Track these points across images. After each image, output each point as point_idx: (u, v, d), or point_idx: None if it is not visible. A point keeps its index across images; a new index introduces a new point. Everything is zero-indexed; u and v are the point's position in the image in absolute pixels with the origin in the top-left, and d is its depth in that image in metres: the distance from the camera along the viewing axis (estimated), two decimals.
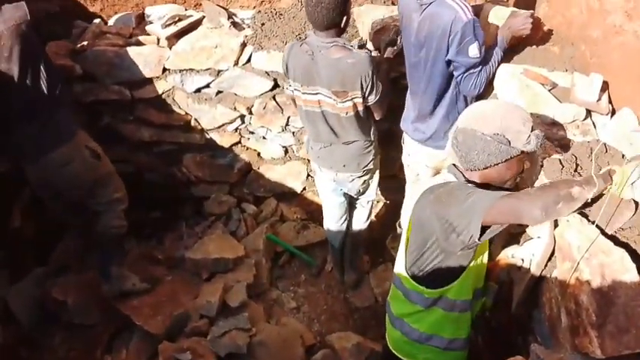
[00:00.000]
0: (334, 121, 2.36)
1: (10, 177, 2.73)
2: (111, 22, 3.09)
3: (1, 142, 2.51)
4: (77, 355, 2.70)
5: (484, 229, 1.42)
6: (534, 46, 2.23)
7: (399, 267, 1.78)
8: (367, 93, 2.24)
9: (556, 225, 1.69)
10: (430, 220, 1.54)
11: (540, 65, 2.13)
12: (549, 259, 1.74)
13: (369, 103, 2.30)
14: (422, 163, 2.52)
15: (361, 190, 2.68)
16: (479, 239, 1.43)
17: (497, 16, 2.31)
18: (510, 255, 1.89)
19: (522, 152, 1.49)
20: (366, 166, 2.54)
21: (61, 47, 2.87)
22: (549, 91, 2.03)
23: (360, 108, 2.30)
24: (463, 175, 1.58)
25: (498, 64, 2.18)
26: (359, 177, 2.58)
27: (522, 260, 1.82)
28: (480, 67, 2.12)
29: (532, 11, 2.22)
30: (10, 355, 2.62)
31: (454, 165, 1.62)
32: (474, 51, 2.05)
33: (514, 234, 1.98)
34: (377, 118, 2.45)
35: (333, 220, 2.88)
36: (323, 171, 2.62)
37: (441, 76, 2.20)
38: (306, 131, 2.60)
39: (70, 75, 2.80)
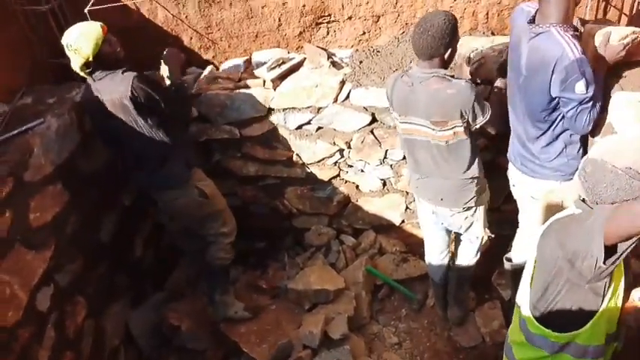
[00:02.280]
0: (435, 150, 2.34)
1: (133, 210, 3.02)
2: (222, 67, 3.37)
3: (127, 178, 2.84)
4: None
5: (610, 252, 1.33)
6: None
7: (523, 308, 1.68)
8: (471, 120, 2.23)
9: None
10: (553, 251, 1.47)
11: None
12: None
13: (477, 126, 2.28)
14: (527, 193, 2.42)
15: (463, 227, 2.60)
16: (604, 262, 1.33)
17: (602, 35, 2.19)
18: (637, 298, 1.73)
19: None
20: (467, 202, 2.46)
21: None
22: None
23: (462, 137, 2.27)
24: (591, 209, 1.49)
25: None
26: (459, 213, 2.51)
27: None
28: (592, 102, 2.06)
29: (624, 34, 2.08)
30: None
31: (583, 200, 1.53)
32: (580, 88, 2.00)
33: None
34: (493, 133, 2.43)
35: (434, 254, 2.82)
36: (422, 202, 2.61)
37: (542, 107, 2.16)
38: (406, 162, 2.62)
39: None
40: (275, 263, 3.37)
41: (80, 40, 2.31)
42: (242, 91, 3.07)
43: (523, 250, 2.55)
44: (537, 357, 1.65)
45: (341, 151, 3.14)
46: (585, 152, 2.32)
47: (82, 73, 2.43)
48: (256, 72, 3.14)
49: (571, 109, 2.08)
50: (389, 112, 2.40)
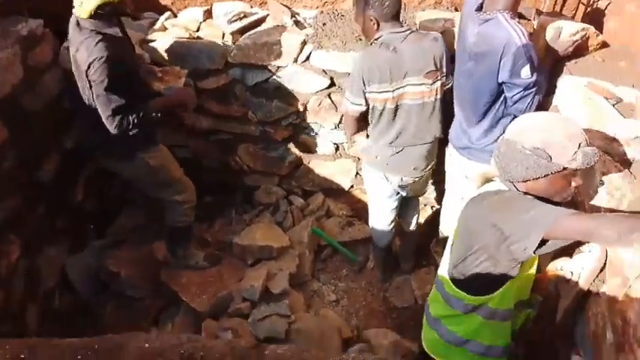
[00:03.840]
0: (425, 111, 2.41)
1: (75, 152, 2.90)
2: (180, 15, 3.25)
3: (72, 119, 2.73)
4: (126, 325, 2.80)
5: (541, 243, 1.39)
6: (601, 60, 2.20)
7: (442, 270, 1.78)
8: (446, 72, 2.35)
9: None
10: (481, 227, 1.52)
11: (605, 79, 2.10)
12: (598, 273, 1.71)
13: (447, 86, 2.39)
14: (461, 173, 2.53)
15: (420, 190, 2.75)
16: (534, 252, 1.40)
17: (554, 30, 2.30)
18: (559, 267, 1.86)
19: (565, 168, 1.44)
20: (432, 164, 2.62)
21: (133, 37, 3.04)
22: (613, 105, 2.00)
23: (439, 95, 2.39)
24: (515, 186, 1.55)
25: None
26: (423, 176, 2.64)
27: (571, 273, 1.79)
28: (536, 88, 2.15)
29: (573, 31, 2.19)
30: (66, 321, 2.80)
31: None
32: (525, 72, 2.09)
33: (565, 247, 1.96)
34: None
35: (384, 222, 2.89)
36: (388, 178, 2.63)
37: (488, 93, 2.24)
38: (374, 136, 2.56)
39: (140, 63, 2.97)
40: (222, 219, 3.37)
41: None
42: (200, 40, 2.98)
43: (450, 222, 2.69)
44: (450, 314, 1.74)
45: (297, 112, 3.15)
46: None
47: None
48: (215, 23, 3.06)
49: (516, 93, 2.17)
50: (364, 89, 2.34)
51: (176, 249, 3.00)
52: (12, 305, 2.47)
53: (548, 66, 2.26)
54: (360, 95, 2.36)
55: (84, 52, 2.22)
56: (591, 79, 2.10)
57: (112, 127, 2.31)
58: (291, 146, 3.33)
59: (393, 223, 2.92)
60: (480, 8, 2.21)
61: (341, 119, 3.09)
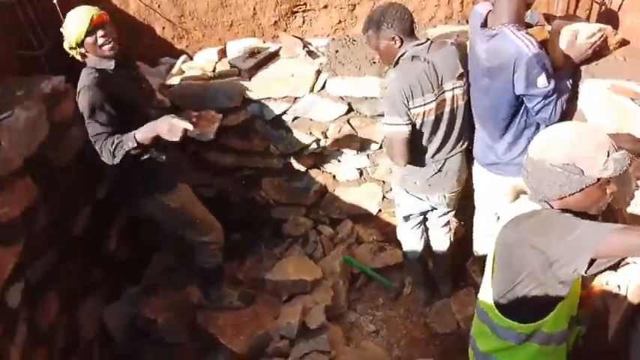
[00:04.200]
0: (458, 118, 2.39)
1: (107, 202, 2.95)
2: (196, 57, 3.32)
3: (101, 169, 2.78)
4: None
5: (590, 262, 1.32)
6: (622, 59, 2.13)
7: (485, 299, 1.67)
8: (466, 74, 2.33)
9: None
10: (523, 252, 1.44)
11: (629, 79, 2.02)
12: None
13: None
14: (491, 189, 2.46)
15: (455, 203, 2.69)
16: (585, 273, 1.33)
17: (569, 32, 2.23)
18: (605, 282, 1.76)
19: (599, 179, 1.37)
20: (466, 175, 2.57)
21: (153, 82, 3.11)
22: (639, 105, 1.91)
23: (465, 100, 2.38)
24: (550, 205, 1.48)
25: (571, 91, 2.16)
26: (459, 189, 2.60)
27: (619, 287, 1.70)
28: (556, 94, 2.09)
29: (591, 31, 2.11)
30: None
31: None
32: (542, 81, 2.04)
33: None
34: None
35: (416, 236, 2.85)
36: (429, 198, 2.57)
37: (507, 106, 2.20)
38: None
39: (161, 108, 3.03)
40: (252, 255, 3.35)
41: (66, 24, 2.25)
42: (217, 81, 3.03)
43: (485, 239, 2.59)
44: (503, 347, 1.63)
45: (317, 141, 3.14)
46: None
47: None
48: (231, 62, 3.11)
49: (537, 103, 2.11)
50: (408, 108, 2.27)
51: (209, 291, 2.99)
52: None
53: (570, 69, 2.18)
54: (406, 113, 2.28)
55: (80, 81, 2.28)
56: (614, 81, 2.02)
57: (100, 153, 2.28)
58: (315, 175, 3.31)
59: (424, 235, 2.88)
60: (484, 24, 2.18)
61: (362, 144, 3.06)
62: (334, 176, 3.31)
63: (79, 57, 2.35)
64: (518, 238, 1.48)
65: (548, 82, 2.05)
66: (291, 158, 3.23)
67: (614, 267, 1.79)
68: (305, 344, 2.62)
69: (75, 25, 2.22)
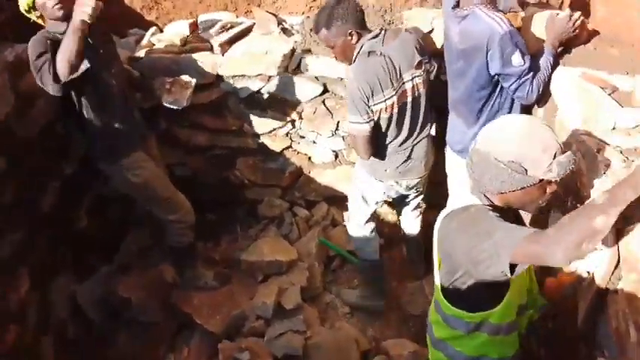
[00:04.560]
0: (421, 105, 2.38)
1: (76, 178, 2.89)
2: (166, 29, 3.20)
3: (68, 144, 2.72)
4: (141, 352, 2.82)
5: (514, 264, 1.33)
6: (592, 48, 2.16)
7: (436, 291, 1.70)
8: (428, 58, 2.31)
9: (620, 236, 1.63)
10: (456, 251, 1.46)
11: (599, 68, 2.06)
12: (614, 270, 1.69)
13: (432, 70, 2.37)
14: (463, 174, 2.49)
15: (421, 187, 2.69)
16: (511, 274, 1.33)
17: (543, 18, 2.24)
18: (574, 268, 1.84)
19: (541, 180, 1.38)
20: (432, 159, 2.58)
21: (120, 54, 2.99)
22: (609, 95, 1.96)
23: (426, 87, 2.36)
24: (487, 197, 1.50)
25: (552, 69, 2.14)
26: (425, 174, 2.62)
27: (588, 273, 1.77)
28: (532, 72, 2.10)
29: (570, 12, 2.12)
30: (80, 350, 2.79)
31: None
32: (517, 59, 2.05)
33: None
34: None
35: (370, 230, 2.78)
36: (399, 183, 2.57)
37: (482, 88, 2.21)
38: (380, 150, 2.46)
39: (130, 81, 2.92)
40: (227, 235, 3.35)
41: None
42: (188, 55, 2.94)
43: None
44: (454, 336, 1.66)
45: (293, 121, 3.11)
46: None
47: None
48: (203, 35, 3.01)
49: (512, 82, 2.12)
50: (369, 106, 2.25)
51: (183, 270, 2.98)
52: (26, 338, 2.47)
53: (551, 48, 2.18)
54: (367, 111, 2.27)
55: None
56: (585, 69, 2.05)
57: (47, 81, 2.19)
58: (291, 156, 3.29)
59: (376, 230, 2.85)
60: (457, 5, 2.17)
61: (337, 126, 3.05)
62: (309, 158, 3.29)
63: (40, 21, 2.31)
64: (450, 235, 1.49)
65: (524, 61, 2.05)
66: (266, 138, 3.19)
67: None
68: (280, 324, 2.66)
69: None
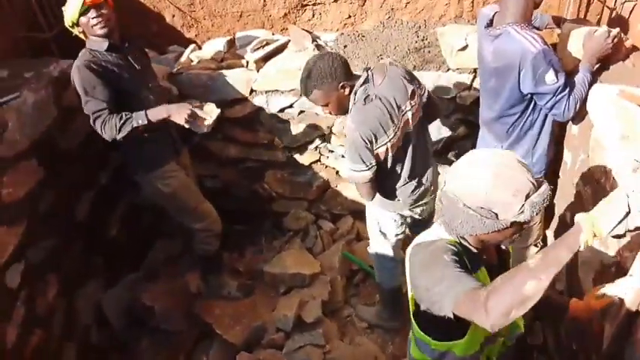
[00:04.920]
0: (420, 131, 2.32)
1: (109, 188, 2.98)
2: (205, 47, 3.32)
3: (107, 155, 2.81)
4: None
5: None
6: (631, 65, 2.09)
7: (411, 311, 1.65)
8: (417, 85, 2.22)
9: None
10: (418, 285, 1.43)
11: (638, 85, 1.99)
12: None
13: (423, 93, 2.25)
14: None
15: (432, 209, 2.62)
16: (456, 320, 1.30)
17: (580, 35, 2.20)
18: (603, 294, 1.75)
19: (513, 222, 1.32)
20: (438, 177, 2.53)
21: (160, 71, 3.11)
22: None
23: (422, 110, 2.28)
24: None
25: (589, 87, 2.10)
26: (434, 195, 2.52)
27: (618, 299, 1.68)
28: (568, 90, 2.07)
29: (607, 28, 2.08)
30: (102, 357, 2.83)
31: None
32: (550, 78, 2.03)
33: (604, 268, 1.84)
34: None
35: (395, 260, 2.68)
36: (412, 210, 2.49)
37: (515, 106, 2.19)
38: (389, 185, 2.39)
39: (168, 96, 3.03)
40: (252, 246, 3.36)
41: (67, 3, 2.31)
42: (224, 71, 3.03)
43: None
44: (423, 359, 1.64)
45: (322, 136, 3.13)
46: (555, 148, 2.36)
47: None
48: (239, 52, 3.10)
49: (548, 101, 2.10)
50: (375, 145, 2.17)
51: (209, 278, 3.02)
52: (51, 343, 2.51)
53: (588, 65, 2.13)
54: (370, 156, 2.19)
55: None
56: (623, 87, 1.99)
57: (101, 129, 2.34)
58: (319, 170, 3.30)
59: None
60: (490, 25, 2.16)
61: None
62: (337, 172, 3.30)
63: (82, 36, 2.41)
64: (414, 269, 1.46)
65: (557, 78, 2.03)
66: (295, 152, 3.22)
67: (611, 279, 1.77)
68: (300, 337, 2.63)
69: (71, 4, 2.29)
